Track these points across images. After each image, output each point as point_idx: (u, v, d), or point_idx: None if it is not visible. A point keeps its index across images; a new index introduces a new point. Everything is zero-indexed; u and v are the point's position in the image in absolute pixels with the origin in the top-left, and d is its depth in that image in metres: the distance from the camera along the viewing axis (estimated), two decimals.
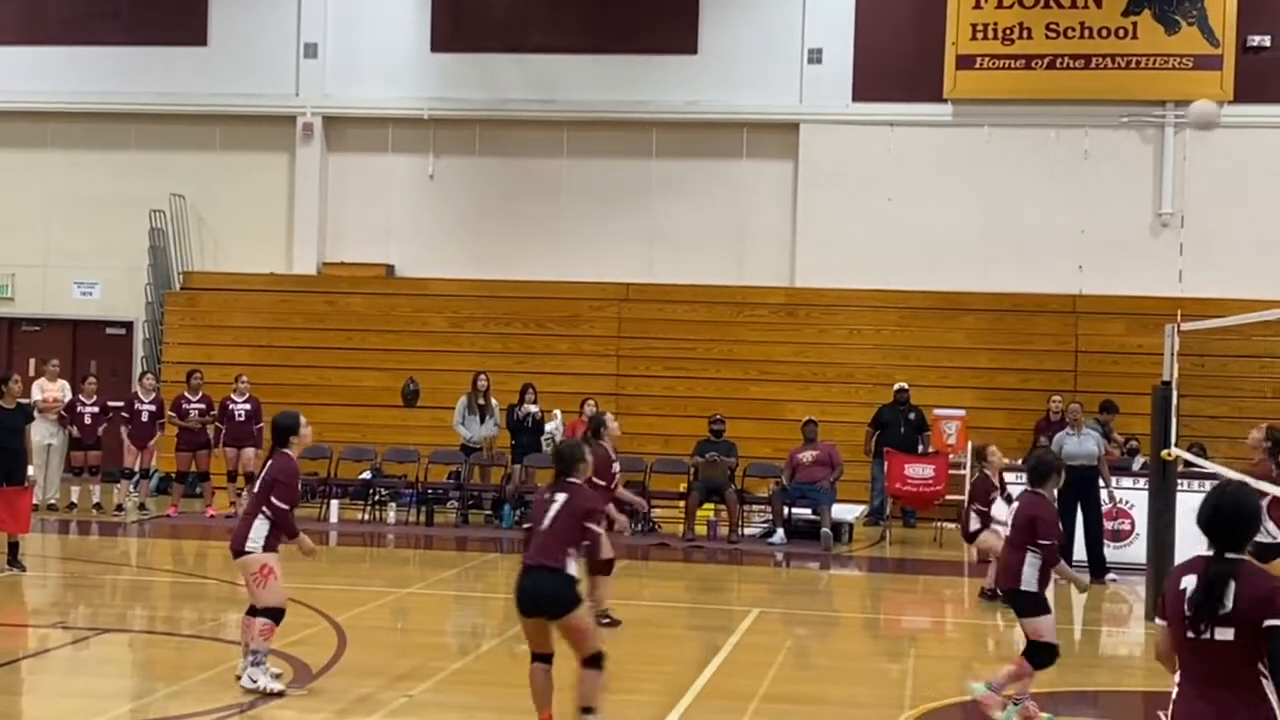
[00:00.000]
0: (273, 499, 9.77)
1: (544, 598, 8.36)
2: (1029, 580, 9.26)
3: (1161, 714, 9.40)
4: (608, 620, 11.82)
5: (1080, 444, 16.33)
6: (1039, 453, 10.38)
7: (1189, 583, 5.51)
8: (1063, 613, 14.91)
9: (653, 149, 24.13)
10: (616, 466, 12.74)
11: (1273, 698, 5.27)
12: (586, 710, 8.51)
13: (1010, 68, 23.05)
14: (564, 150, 24.33)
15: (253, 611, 9.76)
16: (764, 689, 10.44)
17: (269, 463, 10.01)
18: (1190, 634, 5.41)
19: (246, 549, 9.74)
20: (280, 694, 9.56)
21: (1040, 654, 9.32)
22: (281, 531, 9.80)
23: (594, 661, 8.47)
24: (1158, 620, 5.66)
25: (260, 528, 9.74)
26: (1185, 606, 5.46)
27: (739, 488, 19.56)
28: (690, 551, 18.29)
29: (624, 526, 12.57)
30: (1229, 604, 5.35)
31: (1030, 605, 9.33)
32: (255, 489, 10.28)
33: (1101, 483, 16.34)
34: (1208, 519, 5.64)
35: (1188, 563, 5.66)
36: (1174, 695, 5.50)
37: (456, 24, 24.44)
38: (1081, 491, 16.11)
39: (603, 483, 11.87)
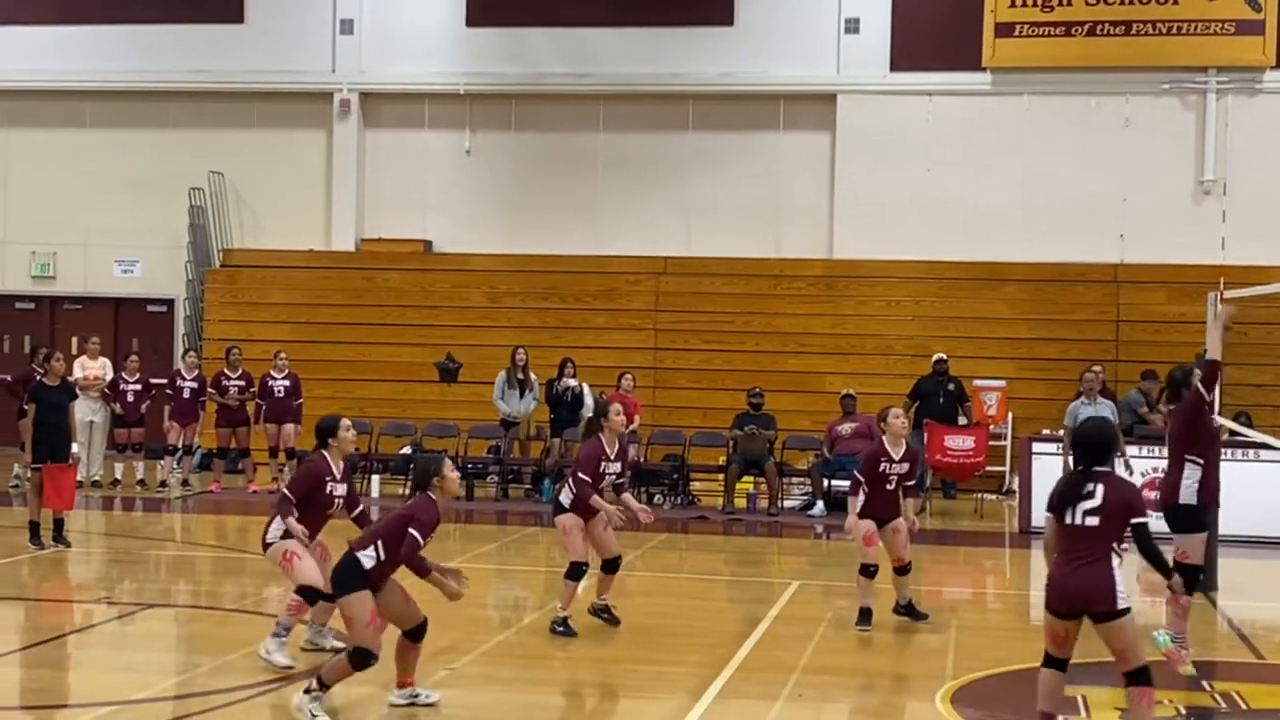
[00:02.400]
0: (283, 489, 10.06)
1: (333, 575, 8.65)
2: (1188, 492, 9.42)
3: (1205, 682, 9.36)
4: (608, 616, 11.46)
5: (1096, 413, 16.20)
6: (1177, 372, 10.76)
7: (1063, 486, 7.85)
8: None
9: (689, 121, 24.06)
10: (611, 467, 11.28)
11: (1116, 564, 7.58)
12: (319, 682, 8.50)
13: (1050, 35, 22.86)
14: (600, 124, 24.29)
15: (305, 595, 9.83)
16: (805, 661, 10.44)
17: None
18: (1066, 520, 7.70)
19: (266, 541, 9.97)
20: (289, 668, 9.60)
21: (1185, 578, 9.33)
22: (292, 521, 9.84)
23: (353, 655, 8.45)
24: (1046, 513, 7.89)
25: (278, 525, 9.91)
26: (1058, 501, 7.77)
27: (778, 460, 19.54)
28: (730, 524, 18.29)
29: (613, 517, 11.62)
30: (1098, 500, 7.61)
31: (1185, 521, 9.50)
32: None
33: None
34: (1075, 444, 8.00)
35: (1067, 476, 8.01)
36: (1051, 568, 7.81)
37: None
38: None
39: (587, 479, 11.09)
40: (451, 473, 8.88)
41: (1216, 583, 13.60)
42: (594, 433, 11.38)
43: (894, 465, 11.75)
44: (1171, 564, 9.00)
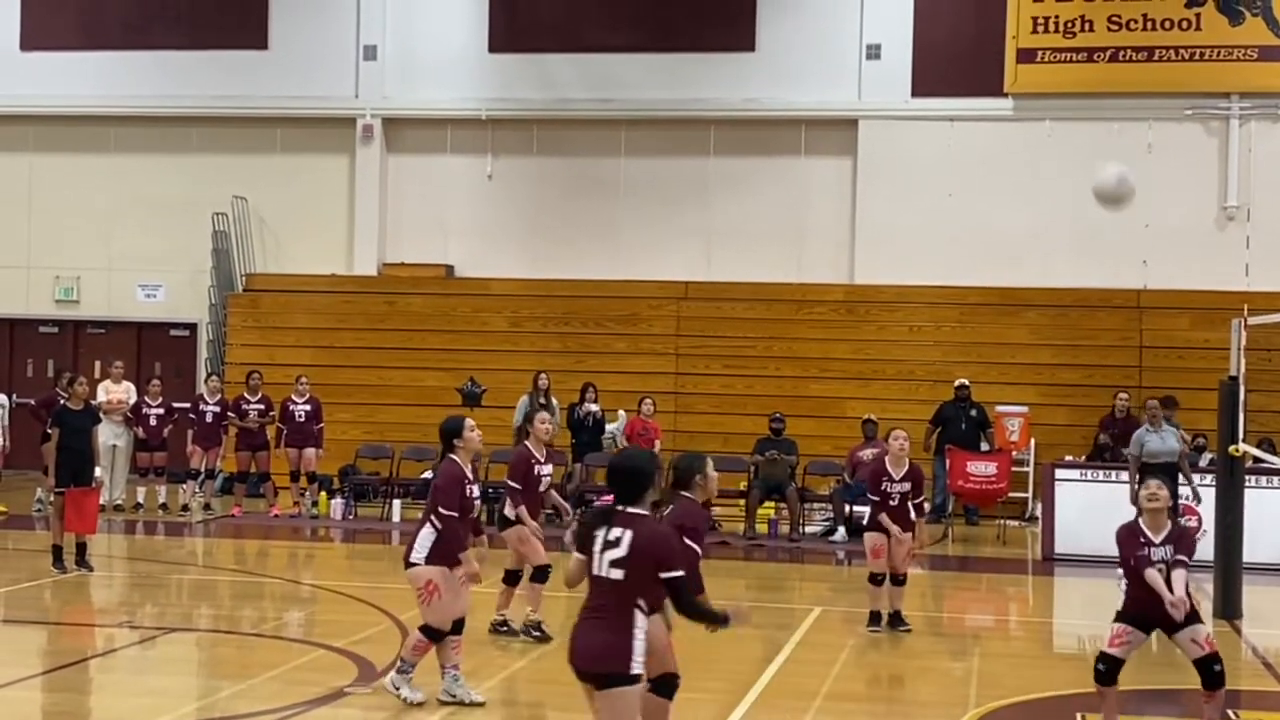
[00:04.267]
0: (438, 507, 9.55)
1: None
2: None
3: (1231, 711, 9.30)
4: (539, 634, 11.61)
5: (1162, 441, 16.19)
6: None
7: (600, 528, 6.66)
8: None
9: (710, 147, 24.09)
10: (543, 469, 11.71)
11: (638, 630, 6.54)
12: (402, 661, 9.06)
13: (1072, 61, 22.85)
14: (622, 149, 24.33)
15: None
16: (827, 688, 10.40)
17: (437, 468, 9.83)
18: (592, 570, 6.63)
19: (411, 560, 9.56)
20: (420, 704, 9.46)
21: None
22: (449, 543, 9.46)
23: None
24: (575, 552, 6.80)
25: (425, 538, 9.53)
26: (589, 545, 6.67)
27: (800, 486, 19.50)
28: (751, 550, 18.26)
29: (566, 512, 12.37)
30: (623, 550, 6.55)
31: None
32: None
33: (1182, 479, 16.16)
34: (608, 477, 6.92)
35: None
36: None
37: (513, 24, 24.48)
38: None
39: (518, 486, 11.53)
40: (471, 432, 9.69)
41: (1241, 610, 13.53)
42: (522, 440, 11.92)
43: (895, 484, 12.58)
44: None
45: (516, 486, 11.60)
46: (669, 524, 7.67)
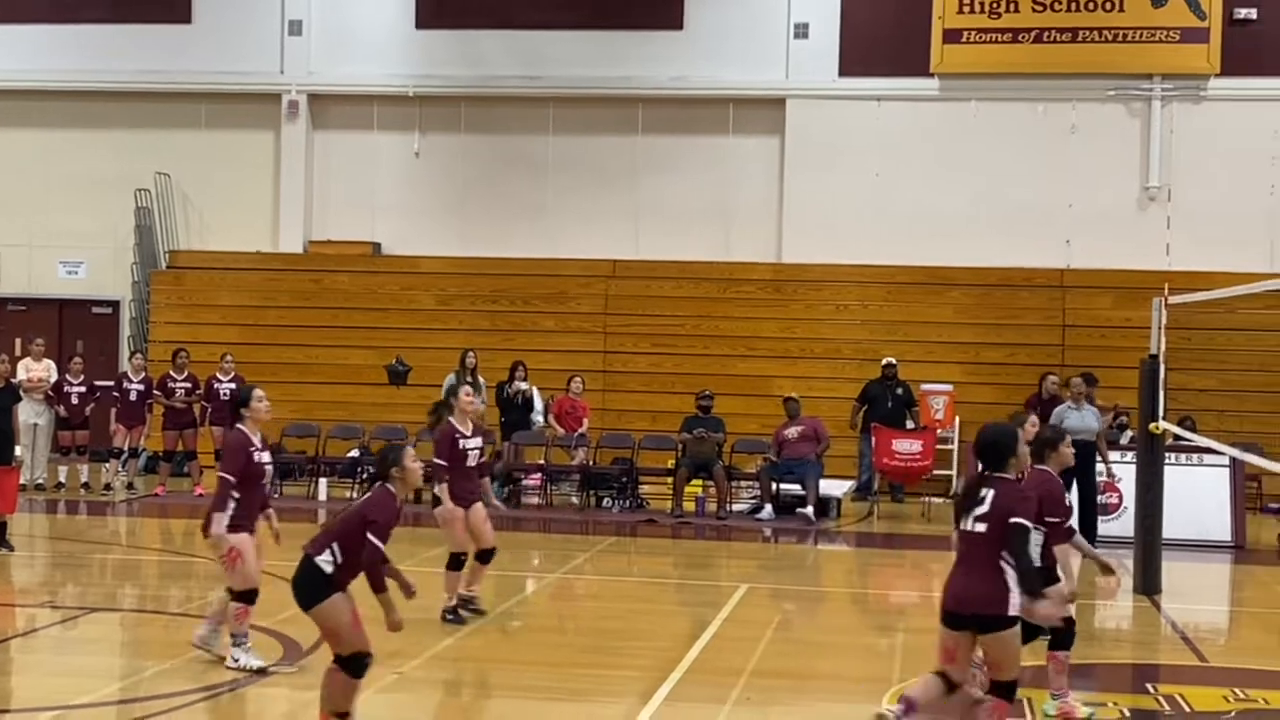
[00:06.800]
0: (219, 471, 9.82)
1: (293, 584, 7.93)
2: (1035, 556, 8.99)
3: (1149, 685, 9.45)
4: (474, 609, 11.61)
5: (1082, 419, 16.35)
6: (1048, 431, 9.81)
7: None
8: None
9: (639, 125, 24.08)
10: (469, 443, 11.63)
11: (1009, 578, 7.38)
12: (337, 715, 7.84)
13: (997, 41, 23.03)
14: (550, 127, 24.28)
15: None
16: (752, 664, 10.46)
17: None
18: (956, 525, 7.71)
19: (212, 530, 9.72)
20: (263, 670, 9.58)
21: (1060, 633, 8.97)
22: (245, 508, 9.68)
23: (347, 664, 7.81)
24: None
25: (226, 513, 9.67)
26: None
27: (727, 464, 19.57)
28: (678, 528, 18.31)
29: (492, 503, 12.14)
30: (986, 506, 7.52)
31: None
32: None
33: (1099, 458, 16.35)
34: (976, 447, 8.00)
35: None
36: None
37: (441, 0, 24.34)
38: (1080, 467, 16.14)
39: (444, 463, 11.46)
40: (413, 463, 8.17)
41: (1160, 586, 13.73)
42: (443, 416, 11.65)
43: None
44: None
45: (442, 463, 11.50)
46: (357, 511, 7.92)
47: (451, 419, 11.68)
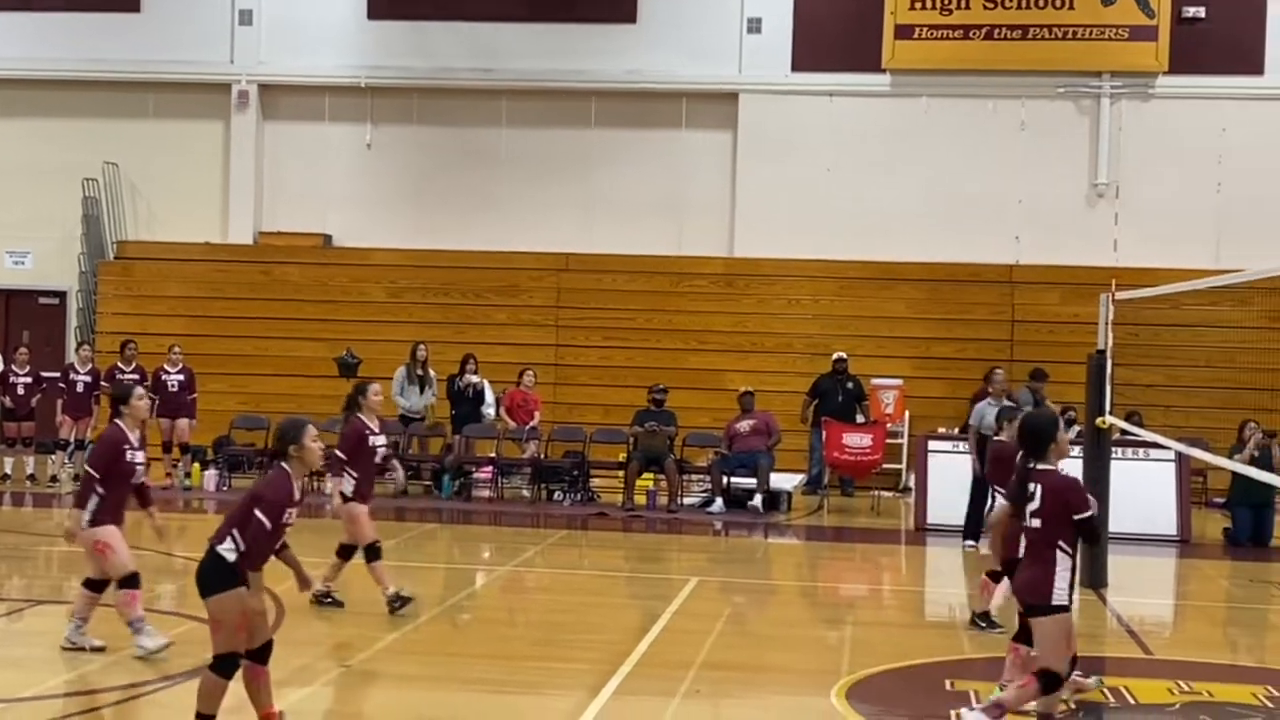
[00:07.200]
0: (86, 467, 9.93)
1: (197, 573, 7.74)
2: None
3: (1095, 678, 9.52)
4: (329, 600, 11.58)
5: None
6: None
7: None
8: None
9: (592, 118, 24.07)
10: (377, 440, 11.69)
11: (1060, 567, 7.69)
12: (199, 716, 7.62)
13: (948, 38, 23.14)
14: (503, 119, 24.23)
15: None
16: (702, 657, 10.48)
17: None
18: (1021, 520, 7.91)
19: (80, 527, 9.76)
20: (169, 645, 9.66)
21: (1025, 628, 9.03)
22: (110, 504, 9.75)
23: (218, 666, 7.62)
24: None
25: (91, 503, 9.73)
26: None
27: (678, 457, 19.59)
28: (629, 521, 18.32)
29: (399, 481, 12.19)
30: (1037, 501, 7.77)
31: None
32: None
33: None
34: (1020, 435, 8.14)
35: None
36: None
37: None
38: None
39: (344, 456, 11.52)
40: (313, 442, 7.85)
41: (1107, 579, 13.83)
42: (354, 410, 11.68)
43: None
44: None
45: (343, 457, 11.54)
46: (253, 490, 7.81)
47: (360, 415, 11.70)
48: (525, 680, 9.81)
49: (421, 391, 20.35)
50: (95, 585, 9.89)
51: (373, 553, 11.53)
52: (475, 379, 20.25)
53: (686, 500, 19.51)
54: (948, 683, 9.76)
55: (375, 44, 24.25)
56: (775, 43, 23.51)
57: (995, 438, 12.15)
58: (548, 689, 9.60)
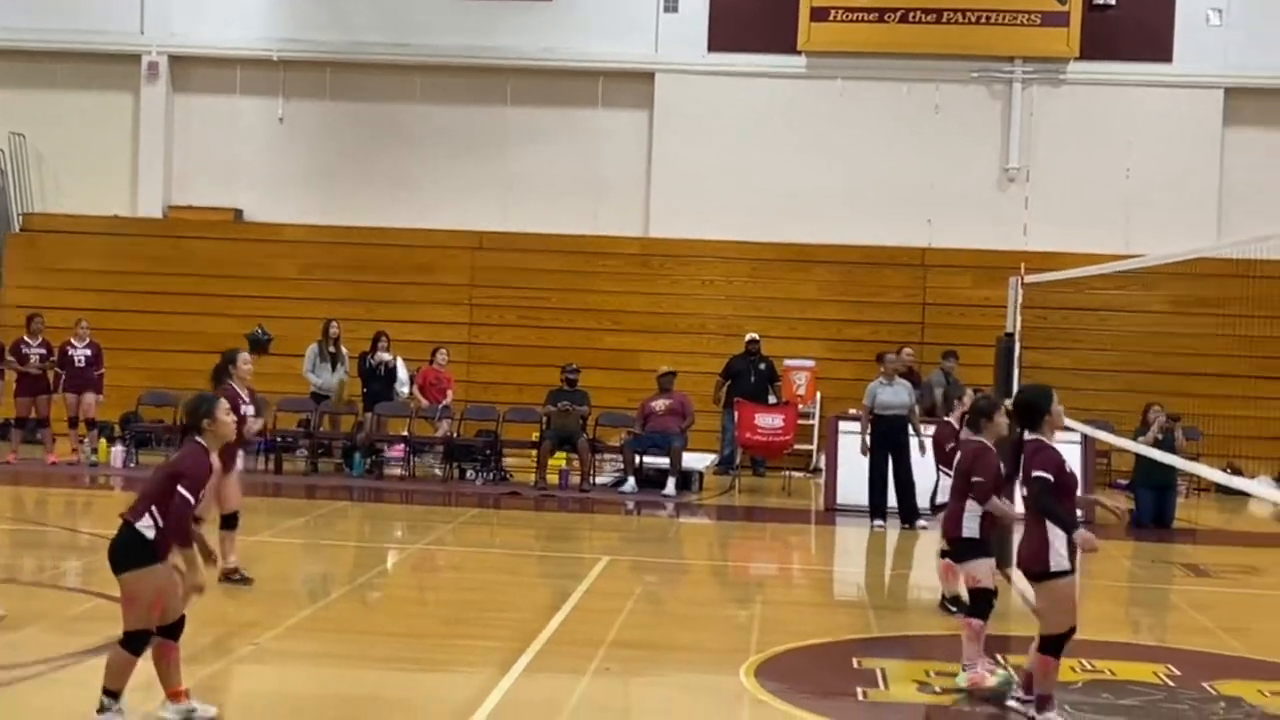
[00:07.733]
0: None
1: (110, 549, 7.62)
2: (970, 526, 9.21)
3: (998, 655, 9.66)
4: (239, 578, 11.52)
5: (895, 394, 16.53)
6: (981, 400, 10.05)
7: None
8: (900, 559, 15.23)
9: (508, 96, 23.97)
10: (247, 409, 11.61)
11: (1052, 535, 7.95)
12: (105, 692, 7.49)
13: (863, 20, 23.26)
14: (417, 95, 24.07)
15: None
16: (613, 635, 10.51)
17: None
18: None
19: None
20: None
21: (979, 602, 9.18)
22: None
23: (127, 642, 7.50)
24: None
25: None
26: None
27: (591, 437, 19.60)
28: (542, 500, 18.31)
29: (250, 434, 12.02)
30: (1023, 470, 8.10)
31: (969, 549, 9.29)
32: None
33: (912, 431, 16.48)
34: (1014, 408, 8.47)
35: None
36: None
37: None
38: (893, 441, 16.38)
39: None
40: (225, 415, 7.84)
41: (1011, 559, 13.98)
42: (223, 381, 11.53)
43: None
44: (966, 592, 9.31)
45: None
46: (166, 468, 7.70)
47: (232, 383, 11.61)
48: (436, 658, 9.79)
49: (334, 369, 20.23)
50: None
51: (228, 522, 11.48)
52: (387, 357, 20.15)
53: (599, 479, 19.54)
54: (854, 661, 9.86)
55: (288, 16, 24.01)
56: (692, 22, 23.53)
57: (945, 419, 12.39)
58: (458, 667, 9.59)
